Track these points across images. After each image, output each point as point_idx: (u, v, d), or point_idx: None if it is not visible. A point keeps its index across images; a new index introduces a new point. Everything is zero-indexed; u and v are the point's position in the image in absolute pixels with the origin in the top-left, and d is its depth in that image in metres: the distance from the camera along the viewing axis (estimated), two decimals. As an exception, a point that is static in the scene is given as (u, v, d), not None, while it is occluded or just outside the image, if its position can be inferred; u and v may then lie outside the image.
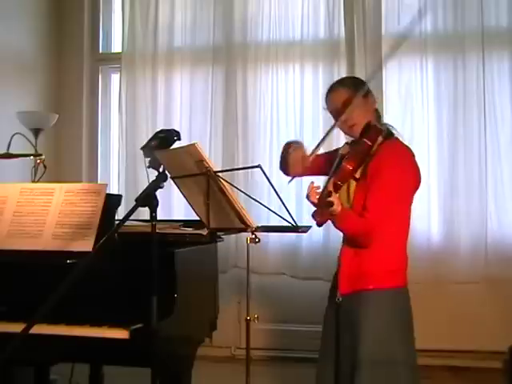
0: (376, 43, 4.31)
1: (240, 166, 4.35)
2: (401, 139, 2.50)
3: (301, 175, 2.62)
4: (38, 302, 1.76)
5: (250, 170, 4.11)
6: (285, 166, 2.54)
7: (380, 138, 2.37)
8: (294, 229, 2.37)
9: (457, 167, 4.18)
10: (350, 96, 2.37)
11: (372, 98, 2.47)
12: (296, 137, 4.39)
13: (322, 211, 2.13)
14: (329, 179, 2.19)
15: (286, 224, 2.34)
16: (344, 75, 4.34)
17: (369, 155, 2.32)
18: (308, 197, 2.18)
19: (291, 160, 2.49)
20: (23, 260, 2.39)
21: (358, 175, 2.34)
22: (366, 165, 2.32)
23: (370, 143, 2.30)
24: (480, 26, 4.18)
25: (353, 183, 2.36)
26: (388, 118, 4.25)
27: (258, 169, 2.26)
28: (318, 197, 2.14)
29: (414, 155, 2.43)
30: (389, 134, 2.43)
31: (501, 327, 3.99)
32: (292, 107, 4.44)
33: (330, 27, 4.39)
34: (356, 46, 4.32)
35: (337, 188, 2.20)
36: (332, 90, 2.45)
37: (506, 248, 4.11)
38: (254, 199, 2.41)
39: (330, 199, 2.09)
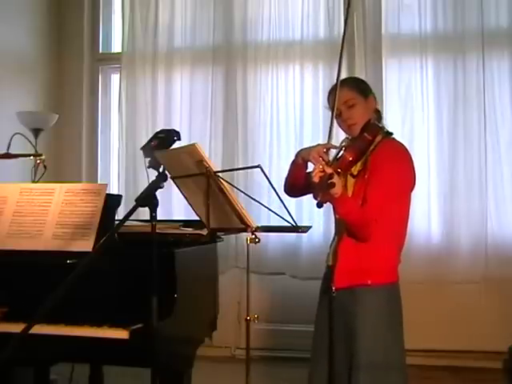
0: (376, 43, 4.31)
1: (240, 166, 4.35)
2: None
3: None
4: (38, 302, 1.76)
5: (249, 170, 4.11)
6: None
7: (379, 136, 2.41)
8: (294, 229, 2.37)
9: (457, 167, 4.18)
10: (353, 96, 2.43)
11: (373, 98, 2.52)
12: (296, 136, 4.40)
13: (324, 192, 2.14)
14: (330, 165, 2.21)
15: (286, 224, 2.34)
16: (344, 75, 4.34)
17: (368, 150, 2.35)
18: (311, 176, 2.19)
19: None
20: (23, 260, 2.38)
21: (355, 172, 2.37)
22: (365, 160, 2.36)
23: (370, 137, 2.34)
24: (480, 26, 4.18)
25: (350, 180, 2.39)
26: (388, 118, 4.29)
27: (258, 169, 2.26)
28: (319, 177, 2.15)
29: (411, 156, 2.48)
30: (388, 133, 2.47)
31: (501, 327, 3.99)
32: (292, 107, 4.44)
33: (330, 27, 4.40)
34: (356, 46, 4.32)
35: (337, 174, 2.22)
36: (335, 89, 2.45)
37: (506, 248, 4.12)
38: (253, 199, 2.40)
39: (333, 181, 2.12)
